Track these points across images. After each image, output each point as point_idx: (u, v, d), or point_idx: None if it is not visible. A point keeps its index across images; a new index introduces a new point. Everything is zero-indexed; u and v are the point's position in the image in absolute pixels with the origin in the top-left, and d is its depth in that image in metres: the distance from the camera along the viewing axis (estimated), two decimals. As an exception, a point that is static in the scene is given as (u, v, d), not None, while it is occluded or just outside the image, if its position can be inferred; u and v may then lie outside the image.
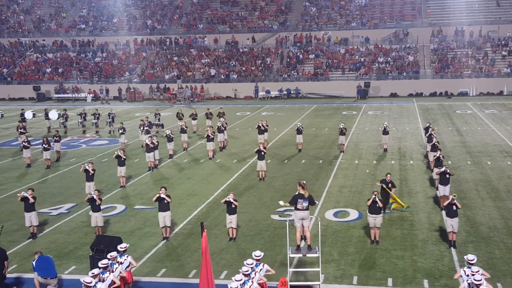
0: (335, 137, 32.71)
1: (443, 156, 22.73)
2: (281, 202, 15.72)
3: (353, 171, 26.56)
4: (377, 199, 17.03)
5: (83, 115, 40.65)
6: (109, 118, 39.56)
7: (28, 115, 43.52)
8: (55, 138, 30.62)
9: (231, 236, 17.89)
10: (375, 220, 17.12)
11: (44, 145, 28.60)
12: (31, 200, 18.53)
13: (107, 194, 23.61)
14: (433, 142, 25.22)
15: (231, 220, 17.65)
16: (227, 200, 17.58)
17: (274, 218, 19.87)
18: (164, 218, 17.83)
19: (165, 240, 17.98)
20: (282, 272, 14.63)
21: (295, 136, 31.33)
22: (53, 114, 42.38)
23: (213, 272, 12.74)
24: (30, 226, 18.77)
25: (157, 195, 17.77)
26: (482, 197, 21.78)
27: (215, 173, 27.11)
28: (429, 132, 27.47)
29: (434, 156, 22.76)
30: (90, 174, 22.17)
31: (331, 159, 29.07)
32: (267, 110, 50.19)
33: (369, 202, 17.15)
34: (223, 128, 31.89)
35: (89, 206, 19.68)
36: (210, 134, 29.18)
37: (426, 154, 28.09)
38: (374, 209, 17.07)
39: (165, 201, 17.75)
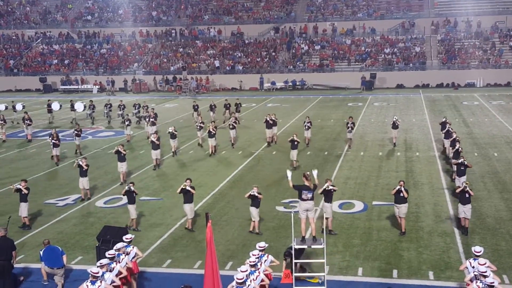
0: (341, 129, 32.69)
1: (461, 148, 22.76)
2: (289, 175, 14.82)
3: (359, 163, 26.54)
4: (402, 188, 17.09)
5: (109, 105, 40.42)
6: (120, 110, 39.28)
7: (55, 106, 42.58)
8: (76, 132, 29.78)
9: (252, 230, 17.70)
10: (398, 209, 17.23)
11: (53, 140, 27.30)
12: (24, 191, 18.65)
13: (112, 185, 23.72)
14: (454, 137, 24.40)
15: (257, 213, 17.54)
16: (251, 194, 17.38)
17: (279, 210, 19.90)
18: (191, 210, 17.86)
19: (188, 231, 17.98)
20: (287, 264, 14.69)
21: (303, 131, 30.46)
22: (79, 106, 42.17)
23: (218, 263, 12.79)
24: (24, 217, 18.90)
25: (182, 187, 17.77)
26: (489, 189, 21.73)
27: (220, 165, 27.16)
28: (447, 128, 26.72)
29: (453, 149, 22.92)
30: (84, 169, 21.53)
31: (336, 150, 29.05)
32: (272, 101, 50.14)
33: (394, 192, 17.29)
34: (235, 125, 30.78)
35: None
36: (211, 130, 28.37)
37: (443, 150, 27.49)
38: (398, 198, 17.18)
39: (190, 193, 17.78)
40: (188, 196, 17.83)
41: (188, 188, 17.71)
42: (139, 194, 22.11)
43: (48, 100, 43.79)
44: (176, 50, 67.35)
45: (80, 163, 21.69)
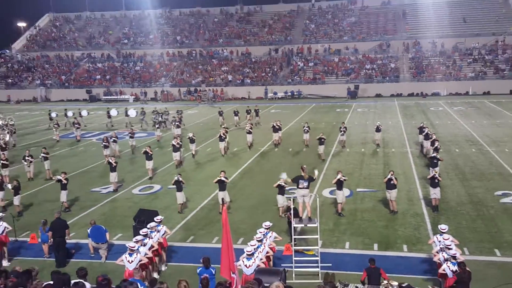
0: (330, 130, 32.54)
1: (440, 146, 22.67)
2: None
3: (345, 157, 26.45)
4: (393, 177, 17.07)
5: (156, 112, 39.36)
6: (165, 115, 38.23)
7: (114, 112, 42.16)
8: (130, 134, 29.51)
9: (282, 214, 17.15)
10: (389, 194, 17.25)
11: (104, 143, 26.84)
12: (64, 181, 18.75)
13: (146, 176, 23.70)
14: (433, 138, 23.93)
15: (284, 200, 17.27)
16: (279, 184, 17.04)
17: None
18: (224, 195, 17.67)
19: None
20: (287, 239, 14.67)
21: (301, 134, 29.95)
22: (132, 112, 41.89)
23: (232, 239, 12.75)
24: (63, 202, 18.92)
25: (218, 178, 17.68)
26: (451, 178, 21.62)
27: (233, 160, 27.08)
28: (425, 131, 25.99)
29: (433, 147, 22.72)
30: (113, 166, 21.22)
31: (327, 148, 28.71)
32: (275, 108, 50.04)
33: (385, 180, 17.28)
34: (251, 130, 29.52)
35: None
36: (222, 135, 27.44)
37: (421, 149, 26.50)
38: (389, 185, 17.19)
39: (224, 183, 17.71)
40: (222, 185, 17.69)
41: (222, 178, 17.63)
42: (166, 184, 22.27)
43: (108, 108, 43.74)
44: (196, 67, 67.37)
45: (110, 160, 21.58)
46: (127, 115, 40.89)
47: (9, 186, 19.09)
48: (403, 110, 44.15)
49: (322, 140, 25.36)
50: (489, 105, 46.13)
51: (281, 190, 17.18)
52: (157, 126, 32.80)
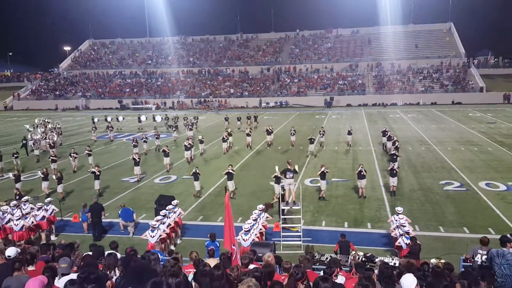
0: (311, 132, 32.44)
1: (399, 145, 22.52)
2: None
3: (323, 154, 26.41)
4: (363, 169, 16.95)
5: (175, 117, 39.63)
6: (184, 120, 37.52)
7: (143, 117, 41.57)
8: (156, 136, 29.13)
9: (275, 200, 16.76)
10: (360, 182, 17.18)
11: (133, 143, 26.53)
12: (97, 173, 18.65)
13: (164, 169, 23.62)
14: (394, 139, 23.92)
15: (279, 188, 16.86)
16: (276, 175, 16.73)
17: (272, 184, 19.78)
18: (231, 184, 17.56)
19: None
20: (276, 218, 14.67)
21: (289, 136, 29.58)
22: (158, 118, 41.41)
23: (233, 218, 12.76)
24: (97, 189, 18.84)
25: (227, 170, 17.51)
26: (406, 171, 21.66)
27: (234, 156, 26.99)
28: (388, 134, 25.95)
29: (393, 146, 22.49)
30: (137, 161, 20.94)
31: (309, 146, 28.77)
32: (267, 115, 49.94)
33: (357, 172, 17.16)
34: (250, 133, 29.11)
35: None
36: (224, 137, 27.17)
37: (384, 150, 26.21)
38: (360, 176, 17.11)
39: (232, 174, 17.57)
40: (230, 176, 17.55)
41: (230, 171, 17.51)
42: (181, 175, 22.22)
43: (138, 114, 43.45)
44: (205, 82, 67.18)
45: (134, 157, 21.24)
46: (154, 120, 40.70)
47: (54, 177, 19.03)
48: (368, 117, 44.20)
49: (312, 140, 25.32)
50: (435, 113, 46.26)
51: (278, 180, 17.00)
52: (173, 129, 32.63)
